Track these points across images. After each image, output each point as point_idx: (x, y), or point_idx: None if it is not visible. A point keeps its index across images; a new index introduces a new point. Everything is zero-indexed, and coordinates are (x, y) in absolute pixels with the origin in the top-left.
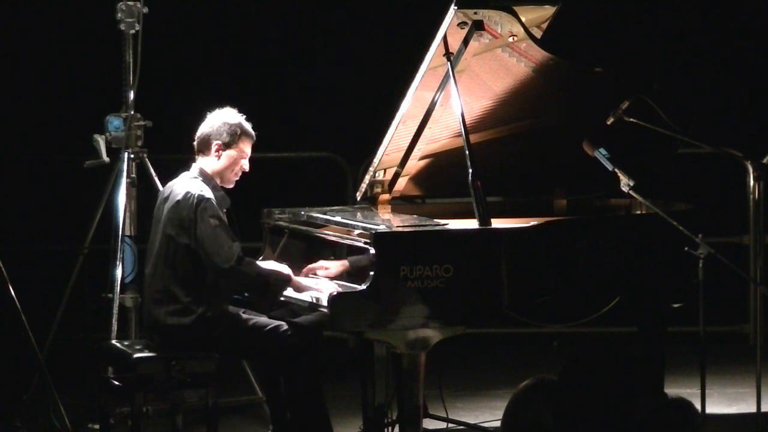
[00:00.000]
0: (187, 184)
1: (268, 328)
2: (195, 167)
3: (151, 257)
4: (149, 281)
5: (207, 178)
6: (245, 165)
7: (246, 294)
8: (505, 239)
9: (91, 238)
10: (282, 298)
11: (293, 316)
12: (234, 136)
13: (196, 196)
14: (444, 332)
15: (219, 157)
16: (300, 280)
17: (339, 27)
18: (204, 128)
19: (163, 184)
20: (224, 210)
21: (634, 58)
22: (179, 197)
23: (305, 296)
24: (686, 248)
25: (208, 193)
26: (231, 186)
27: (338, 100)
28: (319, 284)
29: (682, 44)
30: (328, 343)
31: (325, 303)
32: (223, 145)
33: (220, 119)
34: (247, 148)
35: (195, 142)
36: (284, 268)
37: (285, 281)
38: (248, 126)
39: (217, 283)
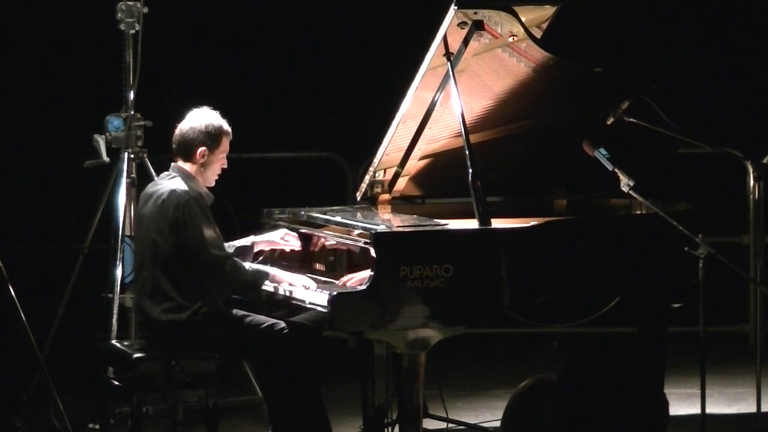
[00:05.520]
0: (170, 184)
1: (266, 327)
2: (175, 168)
3: (138, 258)
4: (140, 282)
5: (189, 177)
6: (225, 162)
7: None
8: (505, 239)
9: (91, 238)
10: (279, 297)
11: (292, 316)
12: (217, 140)
13: (182, 194)
14: (444, 332)
15: (204, 162)
16: (276, 274)
17: (339, 27)
18: (185, 133)
19: None
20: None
21: (634, 58)
22: (164, 197)
23: (300, 293)
24: (686, 248)
25: (194, 191)
26: (212, 184)
27: (338, 100)
28: (296, 278)
29: (682, 44)
30: (328, 343)
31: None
32: (207, 151)
33: (200, 124)
34: (227, 146)
35: (174, 145)
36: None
37: (265, 276)
38: (226, 124)
39: (209, 279)
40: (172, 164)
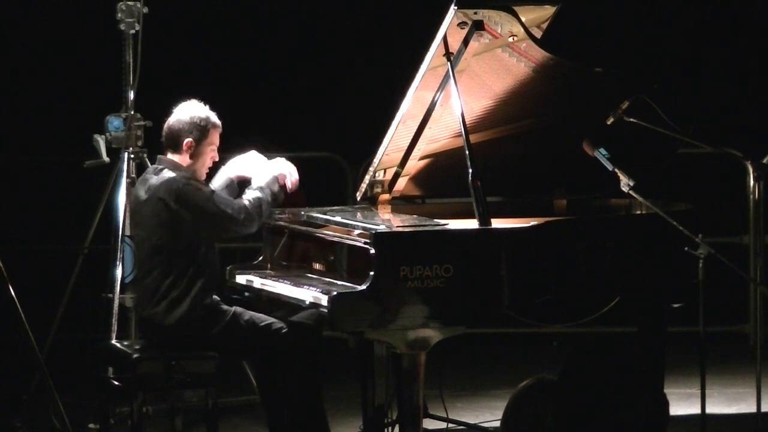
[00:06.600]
0: (159, 177)
1: (265, 326)
2: (163, 160)
3: (137, 258)
4: (139, 282)
5: (177, 167)
6: (215, 155)
7: (246, 294)
8: (505, 239)
9: (91, 238)
10: (280, 297)
11: (292, 315)
12: (204, 131)
13: (173, 181)
14: (444, 332)
15: (191, 154)
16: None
17: (339, 27)
18: (172, 125)
19: None
20: None
21: (634, 58)
22: (160, 193)
23: (300, 294)
24: (686, 248)
25: (184, 175)
26: (203, 178)
27: (338, 100)
28: None
29: (682, 44)
30: (328, 343)
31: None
32: (194, 142)
33: (187, 115)
34: (215, 138)
35: (163, 138)
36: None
37: (273, 182)
38: (215, 117)
39: (205, 266)
40: (159, 156)
